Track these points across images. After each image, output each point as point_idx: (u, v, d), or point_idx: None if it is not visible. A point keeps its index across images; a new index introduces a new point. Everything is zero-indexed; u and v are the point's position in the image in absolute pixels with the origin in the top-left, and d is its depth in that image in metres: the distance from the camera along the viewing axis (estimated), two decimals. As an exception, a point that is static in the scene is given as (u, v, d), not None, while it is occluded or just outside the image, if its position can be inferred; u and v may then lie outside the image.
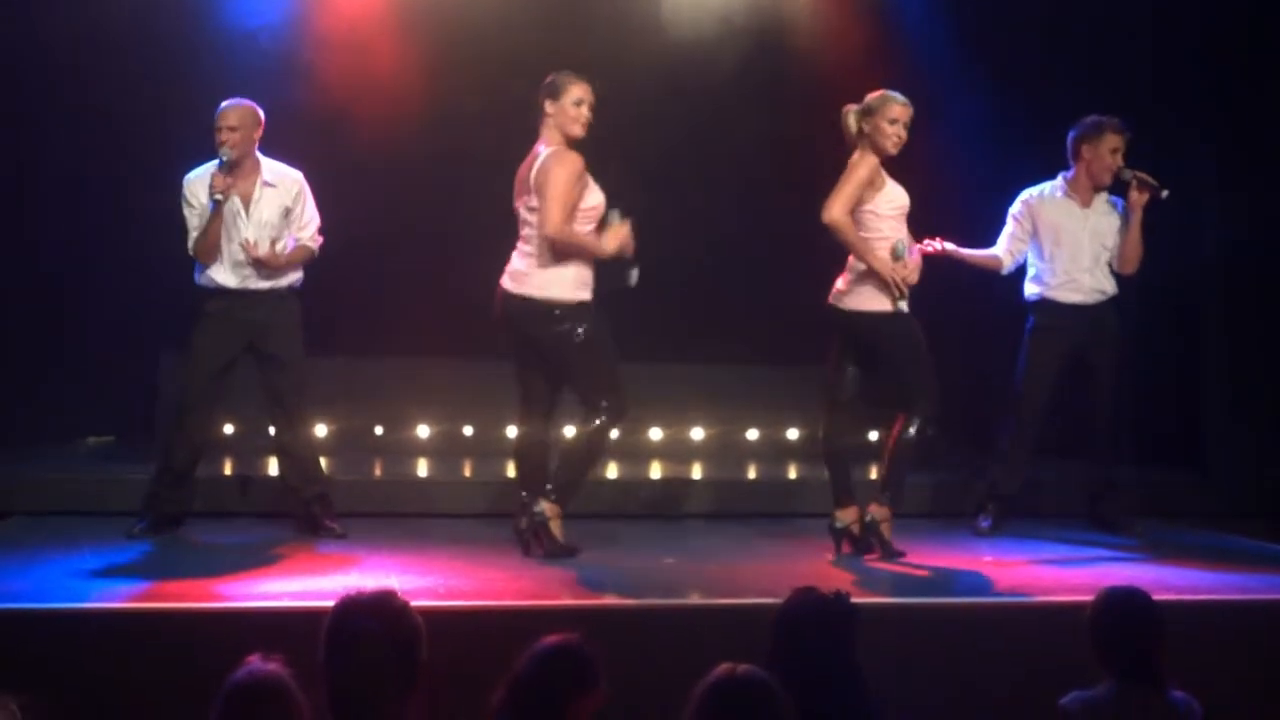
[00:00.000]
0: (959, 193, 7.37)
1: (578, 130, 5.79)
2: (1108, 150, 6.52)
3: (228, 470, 7.11)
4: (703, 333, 8.21)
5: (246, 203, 6.02)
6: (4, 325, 7.48)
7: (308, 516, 6.24)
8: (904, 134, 5.85)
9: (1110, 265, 6.62)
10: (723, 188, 8.26)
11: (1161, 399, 7.86)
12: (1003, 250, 6.66)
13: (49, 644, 4.50)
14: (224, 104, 6.01)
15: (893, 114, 5.83)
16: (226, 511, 6.60)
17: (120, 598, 4.91)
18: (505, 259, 5.87)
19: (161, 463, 6.16)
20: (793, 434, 8.49)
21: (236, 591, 5.05)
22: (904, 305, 5.83)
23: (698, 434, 8.44)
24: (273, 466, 6.56)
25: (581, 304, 5.75)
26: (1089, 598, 3.78)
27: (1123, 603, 3.69)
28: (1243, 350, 7.59)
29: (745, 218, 8.24)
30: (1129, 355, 6.84)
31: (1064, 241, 6.57)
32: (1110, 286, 6.63)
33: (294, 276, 6.16)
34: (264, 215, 6.04)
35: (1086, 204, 6.61)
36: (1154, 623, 3.63)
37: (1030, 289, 6.67)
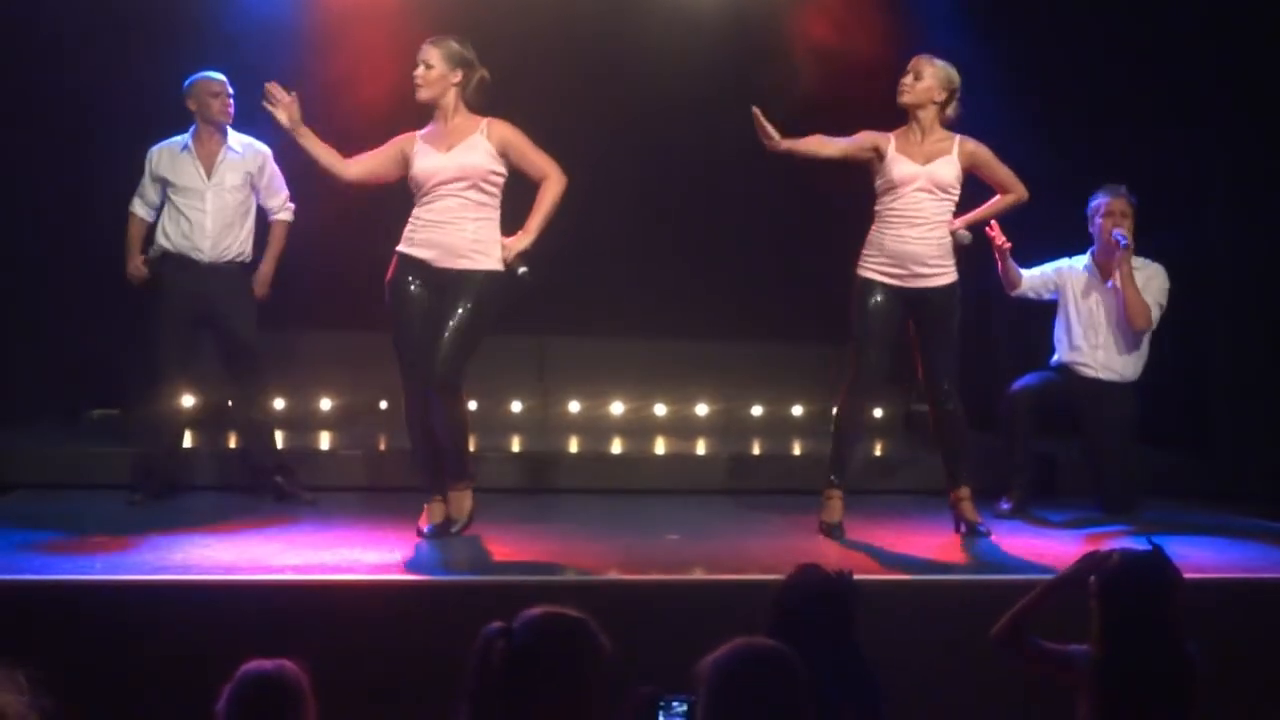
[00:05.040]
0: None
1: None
2: (1102, 215, 6.49)
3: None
4: (707, 308, 8.20)
5: (210, 166, 6.22)
6: (6, 298, 7.48)
7: (273, 487, 6.35)
8: None
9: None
10: (728, 163, 8.24)
11: (1167, 380, 7.85)
12: (1025, 279, 6.64)
13: (52, 616, 4.52)
14: (215, 74, 6.26)
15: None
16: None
17: (124, 570, 4.92)
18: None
19: (151, 434, 6.31)
20: (797, 410, 8.49)
21: (243, 565, 5.07)
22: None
23: (702, 410, 8.44)
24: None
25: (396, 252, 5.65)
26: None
27: (1131, 559, 3.68)
28: (1248, 331, 7.58)
29: (752, 192, 8.22)
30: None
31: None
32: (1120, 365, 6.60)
33: (243, 251, 6.30)
34: (226, 180, 6.23)
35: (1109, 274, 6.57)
36: (1163, 581, 3.62)
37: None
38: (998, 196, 6.05)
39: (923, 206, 5.87)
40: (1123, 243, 6.37)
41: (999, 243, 6.34)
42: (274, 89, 5.50)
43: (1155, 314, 6.51)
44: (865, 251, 5.96)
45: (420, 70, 5.59)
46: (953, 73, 5.93)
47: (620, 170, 8.00)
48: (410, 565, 5.25)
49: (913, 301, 5.92)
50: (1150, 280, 6.52)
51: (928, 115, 5.90)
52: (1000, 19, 7.85)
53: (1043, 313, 6.80)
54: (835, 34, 7.66)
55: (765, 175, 7.85)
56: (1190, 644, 3.54)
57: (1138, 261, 6.52)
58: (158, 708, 4.31)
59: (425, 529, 5.63)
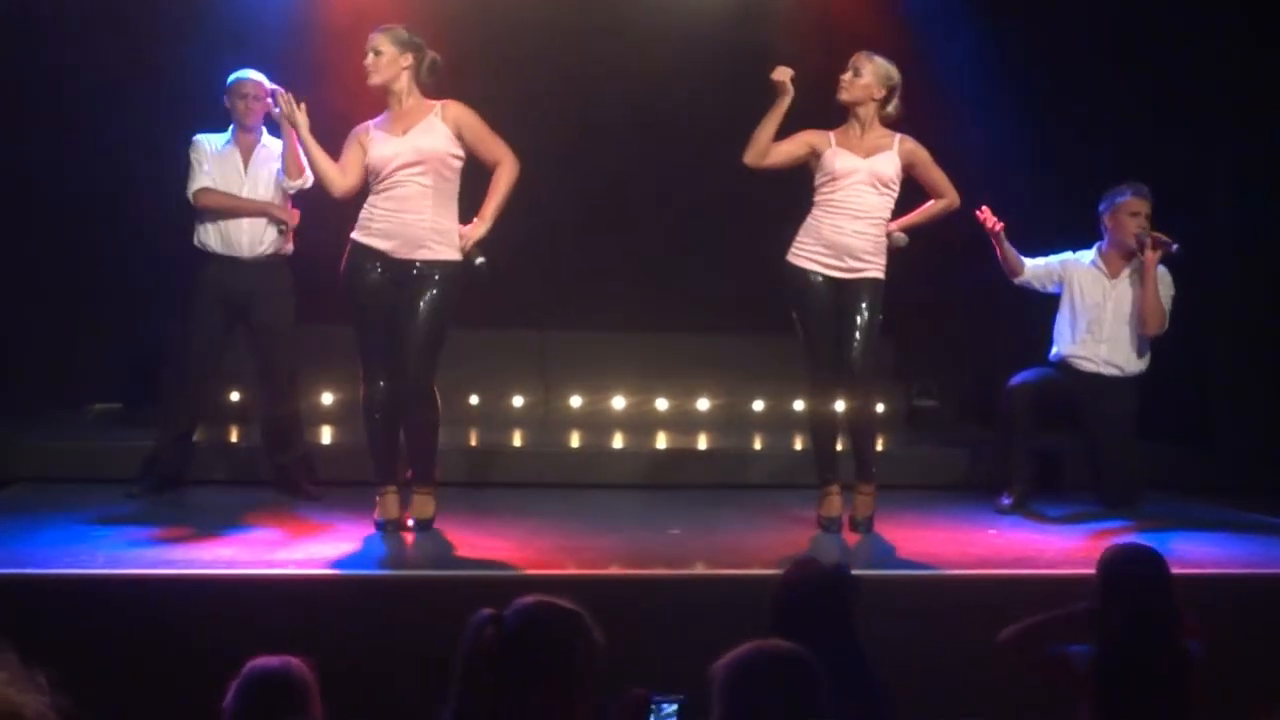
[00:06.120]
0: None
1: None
2: (1127, 214, 6.47)
3: (233, 437, 7.18)
4: (708, 302, 8.21)
5: (247, 158, 6.31)
6: (8, 293, 7.48)
7: (285, 480, 6.37)
8: None
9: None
10: (730, 157, 8.23)
11: (1171, 372, 7.85)
12: (1029, 267, 6.63)
13: (53, 610, 4.52)
14: (250, 75, 6.27)
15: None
16: (221, 479, 6.65)
17: (126, 564, 4.93)
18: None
19: (162, 425, 6.33)
20: (798, 405, 8.48)
21: (244, 560, 5.08)
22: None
23: (703, 404, 8.43)
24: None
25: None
26: (1089, 570, 3.79)
27: (1132, 556, 3.69)
28: (1249, 327, 7.58)
29: (753, 185, 8.20)
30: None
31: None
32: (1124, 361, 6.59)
33: (284, 245, 6.33)
34: (260, 176, 6.30)
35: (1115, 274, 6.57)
36: (1162, 578, 3.63)
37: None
38: (931, 202, 6.02)
39: (864, 199, 5.85)
40: (1172, 249, 6.39)
41: (990, 225, 6.34)
42: (285, 97, 5.57)
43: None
44: (800, 239, 5.93)
45: (370, 58, 5.57)
46: (892, 70, 5.91)
47: (621, 165, 8.00)
48: (411, 561, 5.26)
49: (841, 289, 5.89)
50: (1158, 284, 6.51)
51: (867, 112, 5.89)
52: (1002, 17, 7.84)
53: (1042, 308, 6.79)
54: (836, 27, 7.66)
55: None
56: (1194, 643, 3.55)
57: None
58: (159, 702, 4.31)
59: (379, 521, 5.62)
